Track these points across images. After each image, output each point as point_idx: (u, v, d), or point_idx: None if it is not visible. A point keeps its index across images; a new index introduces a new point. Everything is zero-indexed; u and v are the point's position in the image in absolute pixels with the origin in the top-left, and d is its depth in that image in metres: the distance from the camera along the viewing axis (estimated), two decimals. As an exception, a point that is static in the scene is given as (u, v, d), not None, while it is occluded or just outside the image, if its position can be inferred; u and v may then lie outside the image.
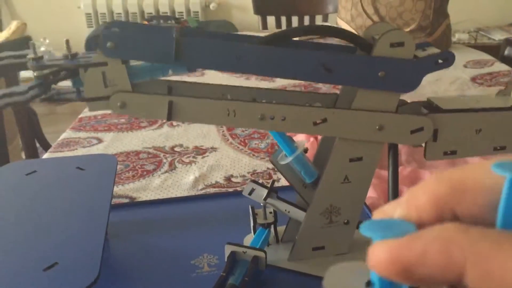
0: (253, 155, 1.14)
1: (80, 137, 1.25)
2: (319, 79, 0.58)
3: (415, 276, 0.19)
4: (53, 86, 0.55)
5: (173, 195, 0.97)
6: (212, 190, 0.99)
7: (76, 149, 1.18)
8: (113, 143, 1.21)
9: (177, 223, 0.75)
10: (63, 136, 1.26)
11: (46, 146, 2.04)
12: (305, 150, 0.64)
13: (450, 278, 0.19)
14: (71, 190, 0.64)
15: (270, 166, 1.08)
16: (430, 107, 0.59)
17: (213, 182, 1.02)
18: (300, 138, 0.95)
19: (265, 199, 0.64)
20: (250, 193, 0.66)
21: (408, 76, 0.55)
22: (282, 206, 0.65)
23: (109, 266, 0.65)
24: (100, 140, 1.23)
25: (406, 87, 0.56)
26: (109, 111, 0.57)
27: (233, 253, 0.60)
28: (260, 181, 1.02)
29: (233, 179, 1.03)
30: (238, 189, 0.98)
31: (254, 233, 0.68)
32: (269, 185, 0.65)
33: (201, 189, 0.99)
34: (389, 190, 0.57)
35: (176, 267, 0.65)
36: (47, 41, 2.89)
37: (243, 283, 0.57)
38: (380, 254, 0.20)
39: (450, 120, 0.57)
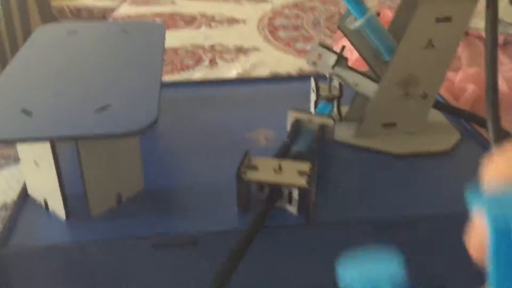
0: (299, 55, 1.07)
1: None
2: None
3: None
4: None
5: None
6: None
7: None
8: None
9: (230, 101, 0.69)
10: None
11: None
12: (377, 14, 0.56)
13: None
14: (119, 50, 0.57)
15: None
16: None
17: (258, 77, 0.96)
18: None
19: (334, 66, 0.57)
20: (315, 62, 0.59)
21: None
22: (351, 77, 0.58)
23: (159, 139, 0.60)
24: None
25: None
26: None
27: (297, 120, 0.54)
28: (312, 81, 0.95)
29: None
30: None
31: (314, 108, 0.62)
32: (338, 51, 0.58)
33: (245, 84, 0.92)
34: (487, 59, 0.50)
35: (229, 140, 0.59)
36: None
37: (310, 151, 0.51)
38: None
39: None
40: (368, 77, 0.58)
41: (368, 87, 0.58)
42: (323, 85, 0.61)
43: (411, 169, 0.54)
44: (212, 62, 1.03)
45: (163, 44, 0.60)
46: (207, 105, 0.67)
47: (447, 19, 0.52)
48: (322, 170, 0.50)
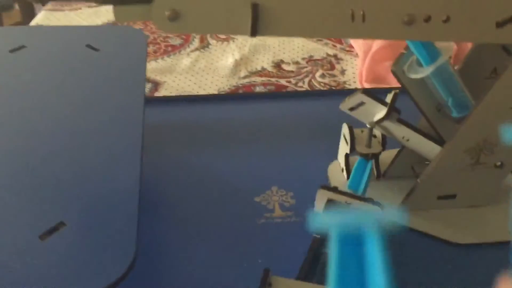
0: (307, 35, 0.89)
1: (84, -7, 0.98)
2: None
3: None
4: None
5: (208, 82, 0.75)
6: (258, 80, 0.76)
7: (80, 8, 0.92)
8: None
9: (234, 134, 0.53)
10: (63, -11, 0.99)
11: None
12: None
13: None
14: (81, 82, 0.40)
15: (331, 51, 0.84)
16: None
17: (259, 68, 0.79)
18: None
19: (379, 122, 0.42)
20: (353, 108, 0.43)
21: None
22: (402, 133, 0.43)
23: (146, 200, 0.45)
24: None
25: None
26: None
27: (330, 203, 0.39)
28: (320, 71, 0.79)
29: (284, 66, 0.80)
30: (292, 80, 0.75)
31: (345, 162, 0.47)
32: (388, 101, 0.42)
33: (244, 77, 0.76)
34: None
35: (236, 206, 0.44)
36: None
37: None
38: None
39: None
40: (425, 134, 0.43)
41: (424, 146, 0.43)
42: (359, 135, 0.45)
43: (477, 264, 0.41)
44: (203, 42, 0.85)
45: (144, 67, 0.43)
46: (201, 144, 0.51)
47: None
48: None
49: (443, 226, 0.43)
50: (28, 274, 0.27)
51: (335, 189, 0.40)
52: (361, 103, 0.42)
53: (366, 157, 0.45)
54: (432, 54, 0.38)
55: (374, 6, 0.33)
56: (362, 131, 0.46)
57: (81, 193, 0.31)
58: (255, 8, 0.32)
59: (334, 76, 0.77)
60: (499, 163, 0.42)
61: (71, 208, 0.30)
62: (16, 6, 1.91)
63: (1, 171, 0.32)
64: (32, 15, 1.81)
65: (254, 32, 0.33)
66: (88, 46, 0.44)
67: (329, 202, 0.40)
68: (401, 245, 0.42)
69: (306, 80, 0.76)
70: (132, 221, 0.30)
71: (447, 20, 0.33)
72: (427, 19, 0.33)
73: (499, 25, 0.33)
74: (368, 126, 0.44)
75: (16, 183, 0.31)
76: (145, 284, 0.37)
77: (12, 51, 0.43)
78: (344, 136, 0.47)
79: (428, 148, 0.43)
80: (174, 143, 0.51)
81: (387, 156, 0.48)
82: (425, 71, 0.38)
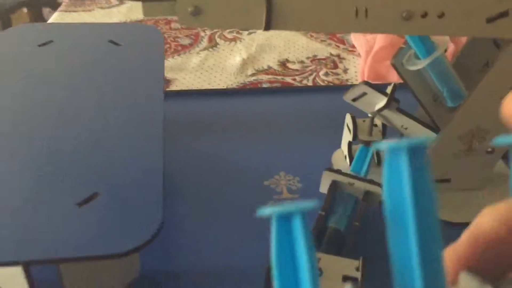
0: (311, 35, 0.93)
1: (96, -5, 1.02)
2: None
3: None
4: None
5: (217, 80, 0.78)
6: (265, 78, 0.79)
7: (93, 9, 0.96)
8: (138, 5, 0.98)
9: (244, 126, 0.56)
10: (76, -8, 1.03)
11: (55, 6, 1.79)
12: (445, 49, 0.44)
13: None
14: (106, 73, 0.44)
15: (334, 51, 0.87)
16: None
17: (265, 67, 0.83)
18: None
19: (380, 110, 0.45)
20: (355, 99, 0.46)
21: None
22: (400, 121, 0.46)
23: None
24: (121, 1, 1.00)
25: None
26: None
27: (334, 183, 0.43)
28: (324, 70, 0.82)
29: (290, 65, 0.83)
30: (297, 78, 0.79)
31: (348, 150, 0.50)
32: (386, 91, 0.45)
33: (251, 75, 0.80)
34: None
35: (247, 189, 0.48)
36: None
37: (351, 229, 0.40)
38: None
39: None
40: (422, 123, 0.46)
41: (421, 134, 0.46)
42: (361, 124, 0.49)
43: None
44: (211, 42, 0.89)
45: (163, 63, 0.47)
46: (213, 134, 0.55)
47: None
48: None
49: (441, 207, 0.47)
50: (67, 237, 0.31)
51: (339, 171, 0.43)
52: (363, 94, 0.46)
53: (367, 144, 0.48)
54: (428, 47, 0.42)
55: (376, 3, 0.37)
56: (364, 121, 0.49)
57: (113, 170, 0.35)
58: (269, 3, 0.36)
59: (337, 74, 0.81)
60: (490, 149, 0.45)
61: (104, 181, 0.34)
62: (25, 9, 1.95)
63: (44, 150, 0.36)
64: (40, 18, 1.86)
65: (268, 26, 0.37)
66: (111, 41, 0.48)
67: (333, 183, 0.43)
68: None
69: (311, 78, 0.79)
70: (158, 194, 0.33)
71: (441, 15, 0.37)
72: (424, 15, 0.37)
73: (489, 20, 0.37)
74: (369, 115, 0.47)
75: (56, 161, 0.35)
76: (163, 259, 0.41)
77: (40, 45, 0.47)
78: (347, 125, 0.50)
79: (425, 136, 0.46)
80: (189, 133, 0.54)
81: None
82: (422, 63, 0.42)
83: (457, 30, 0.38)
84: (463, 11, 0.37)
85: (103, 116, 0.39)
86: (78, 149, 0.36)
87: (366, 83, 0.45)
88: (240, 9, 0.37)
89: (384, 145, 0.15)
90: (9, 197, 0.32)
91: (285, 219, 0.15)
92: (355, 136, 0.49)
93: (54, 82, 0.43)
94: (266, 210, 0.15)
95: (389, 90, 0.46)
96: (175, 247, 0.43)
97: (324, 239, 0.39)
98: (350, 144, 0.50)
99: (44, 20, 1.85)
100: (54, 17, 0.93)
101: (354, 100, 0.47)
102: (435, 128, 0.46)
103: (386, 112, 0.46)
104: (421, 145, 0.15)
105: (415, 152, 0.15)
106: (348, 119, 0.50)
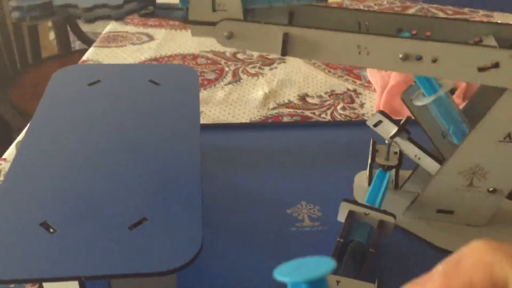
0: (329, 71, 0.98)
1: (128, 31, 1.09)
2: None
3: None
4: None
5: (240, 112, 0.84)
6: (286, 111, 0.84)
7: (125, 45, 1.03)
8: (166, 42, 1.05)
9: (266, 157, 0.62)
10: (109, 28, 1.10)
11: (79, 34, 1.87)
12: (452, 91, 0.49)
13: None
14: (148, 111, 0.50)
15: (351, 87, 0.93)
16: None
17: (286, 101, 0.88)
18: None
19: (392, 137, 0.50)
20: (375, 125, 0.51)
21: None
22: (412, 151, 0.51)
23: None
24: (151, 38, 1.07)
25: None
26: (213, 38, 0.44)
27: (351, 214, 0.48)
28: (341, 104, 0.88)
29: (309, 99, 0.88)
30: (316, 112, 0.84)
31: (369, 173, 0.55)
32: (400, 122, 0.51)
33: (273, 109, 0.85)
34: None
35: (271, 217, 0.52)
36: None
37: (367, 255, 0.44)
38: None
39: None
40: (431, 155, 0.51)
41: (431, 166, 0.51)
42: (382, 149, 0.54)
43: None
44: (235, 77, 0.95)
45: (198, 101, 0.53)
46: (239, 165, 0.60)
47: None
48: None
49: (440, 235, 0.51)
50: (119, 256, 0.36)
51: (355, 202, 0.48)
52: (379, 122, 0.51)
53: (383, 168, 0.53)
54: (432, 86, 0.47)
55: (375, 45, 0.42)
56: (383, 147, 0.54)
57: (158, 198, 0.40)
58: (285, 35, 0.43)
59: (354, 108, 0.86)
60: (491, 189, 0.49)
61: (151, 208, 0.39)
62: (54, 41, 2.05)
63: (101, 181, 0.41)
64: (68, 47, 1.95)
65: (284, 53, 0.43)
66: (151, 81, 0.54)
67: (350, 213, 0.48)
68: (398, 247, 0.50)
69: (329, 112, 0.84)
70: (197, 220, 0.38)
71: (435, 60, 0.42)
72: (419, 58, 0.43)
73: (481, 70, 0.42)
74: (386, 142, 0.52)
75: (112, 190, 0.40)
76: (194, 277, 0.46)
77: (90, 84, 0.53)
78: (370, 151, 0.55)
79: (434, 168, 0.51)
80: (217, 164, 0.59)
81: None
82: (426, 100, 0.47)
83: (450, 74, 0.44)
84: (455, 59, 0.42)
85: (148, 148, 0.44)
86: (128, 180, 0.41)
87: (381, 112, 0.50)
88: (263, 37, 0.44)
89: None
90: (72, 220, 0.37)
91: (299, 285, 0.18)
92: (373, 159, 0.54)
93: (102, 118, 0.48)
94: (282, 277, 0.19)
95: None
96: (207, 268, 0.47)
97: (342, 263, 0.43)
98: (370, 167, 0.55)
99: (70, 47, 1.93)
100: (90, 52, 1.00)
101: (374, 126, 0.52)
102: (443, 162, 0.51)
103: (399, 141, 0.51)
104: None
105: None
106: (371, 144, 0.55)
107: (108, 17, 0.39)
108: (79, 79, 0.54)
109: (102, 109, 0.49)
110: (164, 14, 0.43)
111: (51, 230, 0.36)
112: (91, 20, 0.38)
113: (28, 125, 0.47)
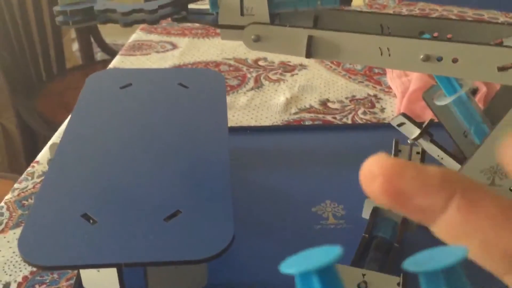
0: (349, 77, 1.00)
1: (152, 40, 1.12)
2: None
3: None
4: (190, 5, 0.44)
5: (263, 117, 0.86)
6: (307, 116, 0.86)
7: (150, 53, 1.06)
8: (189, 50, 1.08)
9: (292, 159, 0.63)
10: (134, 37, 1.13)
11: (103, 45, 1.92)
12: (474, 91, 0.50)
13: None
14: (178, 112, 0.52)
15: (371, 92, 0.94)
16: None
17: (307, 106, 0.90)
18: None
19: (415, 139, 0.52)
20: (399, 125, 0.53)
21: None
22: (435, 152, 0.52)
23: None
24: (174, 46, 1.10)
25: None
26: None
27: (375, 210, 0.49)
28: (362, 109, 0.89)
29: (330, 104, 0.90)
30: (337, 117, 0.86)
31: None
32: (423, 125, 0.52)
33: (295, 113, 0.87)
34: None
35: (297, 215, 0.54)
36: None
37: (392, 250, 0.46)
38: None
39: None
40: (453, 156, 0.52)
41: (454, 166, 0.52)
42: (404, 150, 0.55)
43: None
44: (257, 83, 0.97)
45: (225, 102, 0.55)
46: (265, 166, 0.62)
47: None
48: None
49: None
50: (155, 245, 0.38)
51: (379, 199, 0.49)
52: (402, 123, 0.52)
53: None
54: (453, 86, 0.48)
55: (397, 47, 0.44)
56: (406, 147, 0.56)
57: (191, 192, 0.42)
58: (309, 38, 0.44)
59: (374, 113, 0.87)
60: (513, 188, 0.50)
61: (185, 201, 0.41)
62: (78, 51, 2.10)
63: (134, 176, 0.44)
64: (92, 58, 1.99)
65: (308, 55, 0.45)
66: (180, 84, 0.56)
67: (374, 209, 0.49)
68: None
69: (350, 116, 0.86)
70: (229, 213, 0.40)
71: (455, 61, 0.44)
72: (440, 59, 0.44)
73: (500, 69, 0.43)
74: (408, 142, 0.54)
75: (150, 185, 0.43)
76: (222, 270, 0.48)
77: (122, 87, 0.55)
78: (393, 150, 0.57)
79: (457, 167, 0.52)
80: (243, 164, 0.61)
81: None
82: (446, 100, 0.48)
83: (470, 74, 0.45)
84: (475, 59, 0.43)
85: (180, 147, 0.47)
86: (163, 176, 0.43)
87: (403, 114, 0.52)
88: (288, 40, 0.46)
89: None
90: (111, 212, 0.40)
91: (307, 276, 0.17)
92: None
93: (135, 118, 0.51)
94: (289, 269, 0.17)
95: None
96: (234, 262, 0.49)
97: (367, 259, 0.45)
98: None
99: (93, 57, 1.98)
100: (116, 60, 1.03)
101: (398, 126, 0.53)
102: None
103: (422, 142, 0.52)
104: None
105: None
106: (394, 144, 0.56)
107: (143, 21, 0.42)
108: (112, 82, 0.56)
109: (135, 110, 0.52)
110: (196, 19, 0.46)
111: (91, 221, 0.38)
112: (128, 24, 0.41)
113: (65, 125, 0.49)
